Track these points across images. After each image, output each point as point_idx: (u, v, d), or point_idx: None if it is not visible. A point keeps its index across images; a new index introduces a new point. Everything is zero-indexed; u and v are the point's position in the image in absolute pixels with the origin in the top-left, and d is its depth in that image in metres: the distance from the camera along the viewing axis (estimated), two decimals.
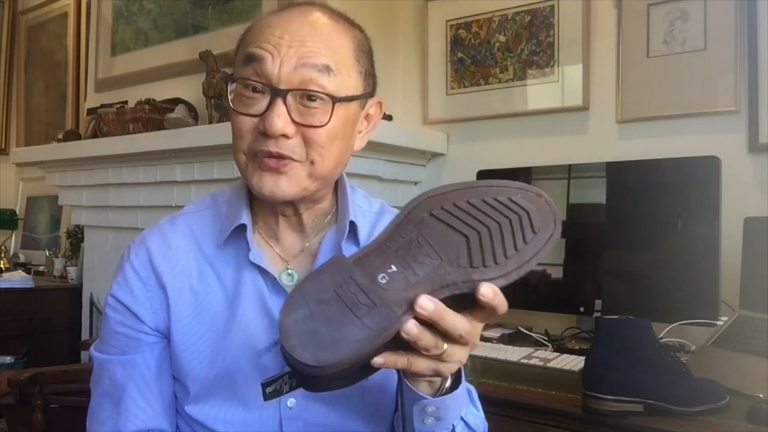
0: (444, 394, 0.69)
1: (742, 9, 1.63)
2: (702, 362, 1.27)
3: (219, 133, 1.92)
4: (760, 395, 1.13)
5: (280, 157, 0.75)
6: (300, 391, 0.64)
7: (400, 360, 0.61)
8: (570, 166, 1.71)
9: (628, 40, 1.80)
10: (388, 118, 1.97)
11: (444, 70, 2.16)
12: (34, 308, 2.87)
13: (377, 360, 0.60)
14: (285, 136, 0.74)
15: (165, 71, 2.47)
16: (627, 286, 1.61)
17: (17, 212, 3.86)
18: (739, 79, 1.63)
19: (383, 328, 0.57)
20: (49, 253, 3.36)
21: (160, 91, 2.43)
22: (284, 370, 0.64)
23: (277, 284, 0.82)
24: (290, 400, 0.80)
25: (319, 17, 0.78)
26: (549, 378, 1.34)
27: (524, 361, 1.44)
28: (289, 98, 0.74)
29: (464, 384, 0.72)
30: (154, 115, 2.28)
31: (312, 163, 0.77)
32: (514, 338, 1.68)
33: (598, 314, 1.59)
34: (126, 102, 2.54)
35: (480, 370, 1.40)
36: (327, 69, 0.75)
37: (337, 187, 0.88)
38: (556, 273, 1.67)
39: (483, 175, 1.84)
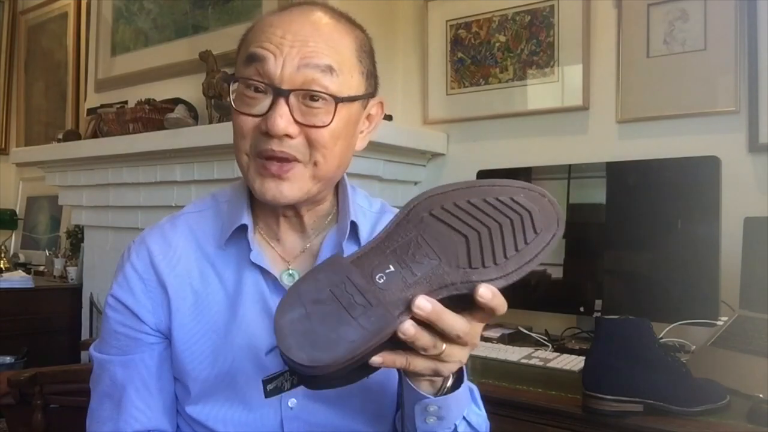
0: (446, 394, 0.68)
1: (742, 9, 1.63)
2: (702, 362, 1.27)
3: (219, 133, 1.92)
4: (760, 395, 1.12)
5: (284, 159, 0.75)
6: (301, 389, 0.64)
7: (399, 359, 0.61)
8: (570, 166, 1.71)
9: (628, 40, 1.80)
10: (388, 118, 1.97)
11: (444, 70, 2.16)
12: (34, 308, 2.87)
13: (376, 359, 0.59)
14: (288, 136, 0.74)
15: (165, 71, 2.47)
16: (627, 286, 1.61)
17: (17, 212, 3.86)
18: (739, 79, 1.63)
19: (379, 328, 0.57)
20: (49, 253, 3.36)
21: (160, 91, 2.43)
22: (285, 368, 0.64)
23: (278, 285, 0.82)
24: (291, 400, 0.80)
25: (321, 17, 0.78)
26: (549, 378, 1.33)
27: (524, 361, 1.44)
28: (292, 98, 0.74)
29: (466, 383, 0.72)
30: (154, 115, 2.28)
31: (315, 164, 0.77)
32: (514, 338, 1.68)
33: (598, 314, 1.59)
34: (126, 102, 2.54)
35: (480, 370, 1.40)
36: (329, 69, 0.75)
37: (338, 188, 0.88)
38: (556, 273, 1.67)
39: (483, 175, 1.84)
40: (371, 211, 0.92)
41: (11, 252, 3.74)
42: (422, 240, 0.61)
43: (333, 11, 0.80)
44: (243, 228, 0.83)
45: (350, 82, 0.77)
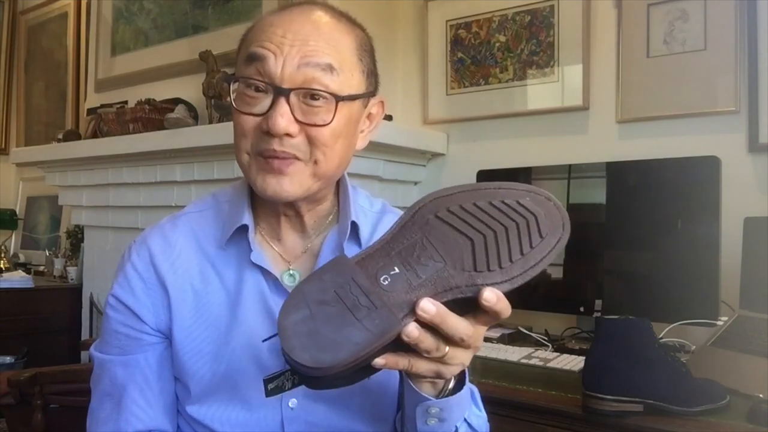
0: (447, 396, 0.68)
1: (742, 9, 1.63)
2: (702, 362, 1.27)
3: (219, 133, 1.92)
4: (760, 395, 1.13)
5: (285, 156, 0.75)
6: (302, 388, 0.64)
7: (401, 361, 0.61)
8: (570, 166, 1.71)
9: (628, 40, 1.80)
10: (388, 118, 1.97)
11: (444, 70, 2.16)
12: (34, 308, 2.87)
13: (378, 361, 0.59)
14: (289, 135, 0.74)
15: (165, 71, 2.47)
16: (627, 286, 1.61)
17: (17, 212, 3.86)
18: (739, 79, 1.64)
19: (383, 330, 0.57)
20: (49, 253, 3.36)
21: (160, 91, 2.43)
22: (286, 368, 0.64)
23: (279, 285, 0.82)
24: (292, 401, 0.80)
25: (321, 16, 0.78)
26: (549, 378, 1.34)
27: (524, 361, 1.44)
28: (292, 97, 0.74)
29: (467, 385, 0.72)
30: (154, 115, 2.28)
31: (315, 162, 0.77)
32: (514, 338, 1.68)
33: (598, 314, 1.59)
34: (126, 102, 2.54)
35: (480, 370, 1.40)
36: (330, 68, 0.75)
37: (339, 188, 0.88)
38: (556, 273, 1.67)
39: (483, 175, 1.84)
40: (372, 212, 0.91)
41: (11, 252, 3.74)
42: (427, 242, 0.61)
43: (333, 10, 0.80)
44: (244, 228, 0.83)
45: (351, 81, 0.77)
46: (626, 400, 1.08)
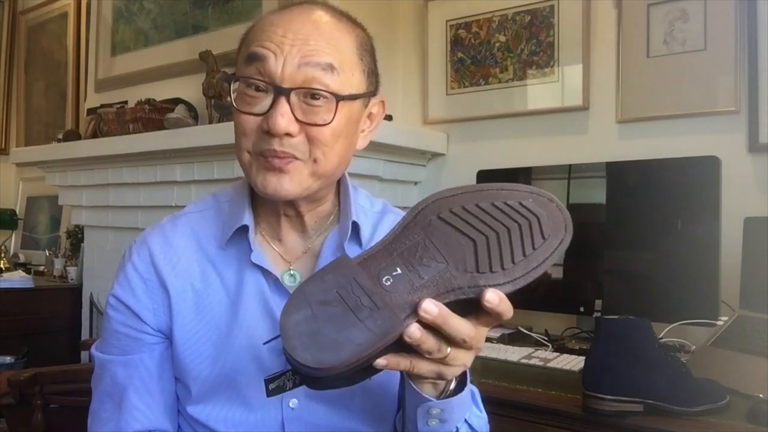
0: (448, 397, 0.68)
1: (742, 9, 1.64)
2: (702, 362, 1.27)
3: (219, 133, 1.92)
4: (760, 395, 1.13)
5: (284, 155, 0.75)
6: (303, 388, 0.64)
7: (403, 362, 0.61)
8: (570, 166, 1.71)
9: (628, 40, 1.80)
10: (388, 118, 1.97)
11: (444, 70, 2.16)
12: (34, 308, 2.87)
13: (380, 361, 0.59)
14: (289, 134, 0.74)
15: (165, 71, 2.47)
16: (627, 286, 1.61)
17: (17, 212, 3.86)
18: (739, 79, 1.64)
19: (385, 331, 0.57)
20: (49, 253, 3.36)
21: (160, 91, 2.43)
22: (287, 368, 0.64)
23: (280, 285, 0.82)
24: (292, 401, 0.80)
25: (322, 16, 0.78)
26: (549, 378, 1.34)
27: (524, 361, 1.44)
28: (293, 97, 0.74)
29: (468, 386, 0.72)
30: (154, 115, 2.28)
31: (315, 161, 0.77)
32: (514, 338, 1.68)
33: (598, 314, 1.59)
34: (126, 102, 2.54)
35: (480, 370, 1.40)
36: (330, 67, 0.75)
37: (340, 188, 0.88)
38: (556, 273, 1.67)
39: (483, 175, 1.84)
40: (373, 212, 0.91)
41: (11, 252, 3.74)
42: (430, 243, 0.61)
43: (333, 10, 0.80)
44: (244, 228, 0.82)
45: (351, 81, 0.77)
46: (626, 400, 1.09)
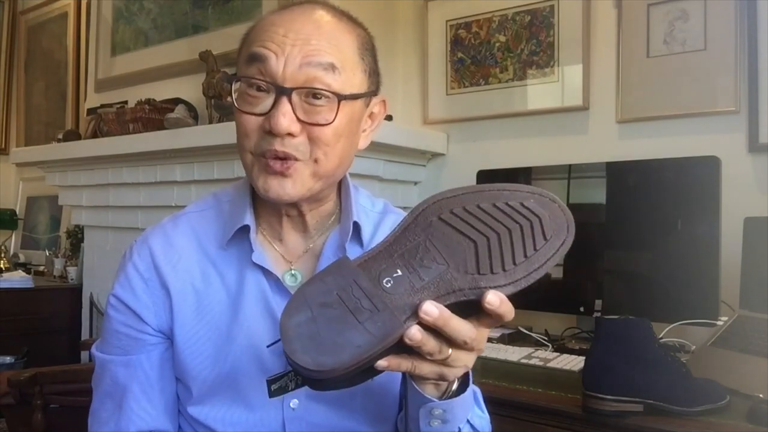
0: (451, 397, 0.68)
1: (742, 9, 1.64)
2: (702, 362, 1.27)
3: (219, 133, 1.92)
4: (760, 395, 1.13)
5: (285, 157, 0.75)
6: (305, 389, 0.64)
7: (405, 363, 0.61)
8: (570, 166, 1.71)
9: (628, 40, 1.80)
10: (388, 118, 1.96)
11: (444, 70, 2.16)
12: (34, 308, 2.87)
13: (381, 363, 0.59)
14: (291, 134, 0.74)
15: (165, 71, 2.47)
16: (627, 286, 1.61)
17: (17, 212, 3.86)
18: (739, 79, 1.64)
19: (386, 333, 0.57)
20: (49, 253, 3.36)
21: (160, 91, 2.43)
22: (288, 368, 0.64)
23: (281, 285, 0.82)
24: (293, 401, 0.80)
25: (323, 15, 0.78)
26: (549, 378, 1.34)
27: (524, 361, 1.44)
28: (294, 97, 0.74)
29: (471, 386, 0.72)
30: (154, 115, 2.28)
31: (316, 161, 0.77)
32: (514, 338, 1.68)
33: (598, 314, 1.59)
34: (126, 102, 2.54)
35: (480, 370, 1.40)
36: (332, 67, 0.75)
37: (341, 188, 0.88)
38: (556, 273, 1.67)
39: (483, 175, 1.84)
40: (374, 212, 0.91)
41: (11, 252, 3.74)
42: (430, 244, 0.60)
43: (334, 9, 0.80)
44: (245, 228, 0.82)
45: (353, 80, 0.77)
46: (626, 400, 1.09)
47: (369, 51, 0.81)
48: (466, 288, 0.59)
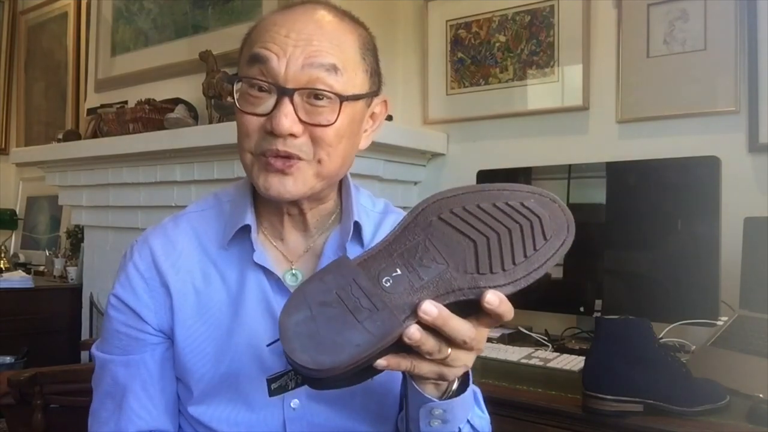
0: (451, 397, 0.68)
1: (742, 9, 1.64)
2: (702, 362, 1.27)
3: (219, 133, 1.92)
4: (760, 395, 1.13)
5: (288, 156, 0.75)
6: (305, 388, 0.64)
7: (404, 363, 0.61)
8: (570, 166, 1.71)
9: (628, 40, 1.80)
10: (388, 118, 1.96)
11: (444, 70, 2.16)
12: (34, 308, 2.87)
13: (380, 362, 0.59)
14: (292, 135, 0.74)
15: (165, 71, 2.47)
16: (627, 286, 1.61)
17: (17, 212, 3.86)
18: (739, 79, 1.64)
19: (385, 332, 0.57)
20: (49, 253, 3.36)
21: (160, 91, 2.43)
22: (288, 367, 0.64)
23: (281, 284, 0.82)
24: (294, 401, 0.80)
25: (324, 15, 0.78)
26: (549, 378, 1.34)
27: (524, 361, 1.44)
28: (296, 97, 0.74)
29: (471, 386, 0.72)
30: (154, 115, 2.28)
31: (319, 161, 0.77)
32: (514, 338, 1.68)
33: (598, 314, 1.59)
34: (126, 102, 2.54)
35: (480, 370, 1.40)
36: (334, 68, 0.75)
37: (342, 187, 0.88)
38: (556, 273, 1.67)
39: (483, 175, 1.84)
40: (375, 212, 0.91)
41: (11, 252, 3.74)
42: (430, 244, 0.60)
43: (336, 10, 0.80)
44: (246, 228, 0.82)
45: (354, 81, 0.77)
46: (626, 400, 1.09)
47: (370, 51, 0.81)
48: (465, 287, 0.59)
